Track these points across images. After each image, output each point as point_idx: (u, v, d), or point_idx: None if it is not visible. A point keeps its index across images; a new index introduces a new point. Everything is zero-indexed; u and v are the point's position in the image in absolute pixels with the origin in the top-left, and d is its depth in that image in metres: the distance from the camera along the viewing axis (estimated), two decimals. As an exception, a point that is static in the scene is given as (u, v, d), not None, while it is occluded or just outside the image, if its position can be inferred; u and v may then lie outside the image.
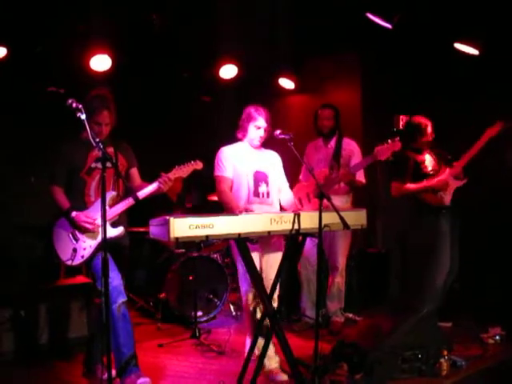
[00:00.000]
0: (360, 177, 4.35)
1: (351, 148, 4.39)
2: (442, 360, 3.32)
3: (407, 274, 4.76)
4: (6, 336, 3.76)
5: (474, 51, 4.48)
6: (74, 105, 2.77)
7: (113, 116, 3.28)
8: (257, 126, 3.52)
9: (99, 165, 3.01)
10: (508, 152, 4.76)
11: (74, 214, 3.18)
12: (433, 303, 4.21)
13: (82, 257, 3.19)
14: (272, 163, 3.65)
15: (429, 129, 4.25)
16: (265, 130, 3.53)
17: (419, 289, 4.33)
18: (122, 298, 3.18)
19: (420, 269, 4.34)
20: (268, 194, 3.53)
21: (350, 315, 4.71)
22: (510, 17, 4.15)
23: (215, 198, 3.74)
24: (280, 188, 3.67)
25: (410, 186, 4.24)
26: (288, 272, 3.36)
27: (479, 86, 4.82)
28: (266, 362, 3.31)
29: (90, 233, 3.20)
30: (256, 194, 3.50)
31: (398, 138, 3.78)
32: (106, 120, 3.25)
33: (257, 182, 3.51)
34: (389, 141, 3.78)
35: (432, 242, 4.25)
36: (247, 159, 3.55)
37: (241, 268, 3.41)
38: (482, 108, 4.79)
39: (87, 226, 3.16)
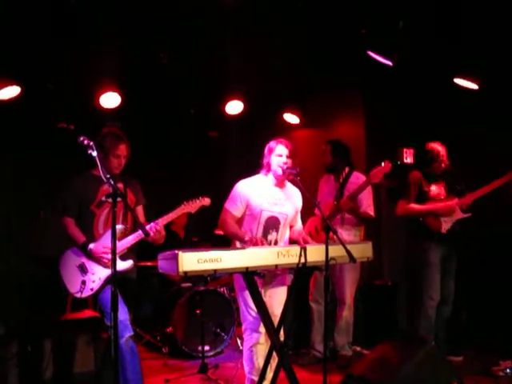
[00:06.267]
0: (367, 209, 4.33)
1: (359, 182, 4.27)
2: (453, 394, 3.28)
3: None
4: (12, 372, 3.69)
5: (473, 86, 4.57)
6: (86, 142, 2.80)
7: (129, 148, 3.40)
8: (278, 155, 3.40)
9: (110, 199, 3.07)
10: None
11: (91, 246, 3.23)
12: (428, 332, 4.20)
13: (92, 289, 3.22)
14: (291, 204, 3.50)
15: (442, 155, 4.36)
16: (287, 157, 3.39)
17: (415, 316, 4.36)
18: (129, 333, 3.18)
19: (414, 295, 4.40)
20: (276, 242, 3.43)
21: (358, 348, 4.68)
22: (508, 52, 4.25)
23: (221, 233, 3.76)
24: (292, 226, 3.59)
25: (416, 206, 4.31)
26: (296, 305, 3.35)
27: (480, 117, 4.90)
28: None
29: (100, 265, 3.24)
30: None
31: (388, 161, 3.89)
32: (124, 152, 3.37)
33: (267, 229, 3.41)
34: (382, 164, 3.88)
35: (420, 271, 4.33)
36: (263, 201, 3.41)
37: (243, 304, 3.39)
38: (483, 139, 4.86)
39: (106, 256, 3.20)
